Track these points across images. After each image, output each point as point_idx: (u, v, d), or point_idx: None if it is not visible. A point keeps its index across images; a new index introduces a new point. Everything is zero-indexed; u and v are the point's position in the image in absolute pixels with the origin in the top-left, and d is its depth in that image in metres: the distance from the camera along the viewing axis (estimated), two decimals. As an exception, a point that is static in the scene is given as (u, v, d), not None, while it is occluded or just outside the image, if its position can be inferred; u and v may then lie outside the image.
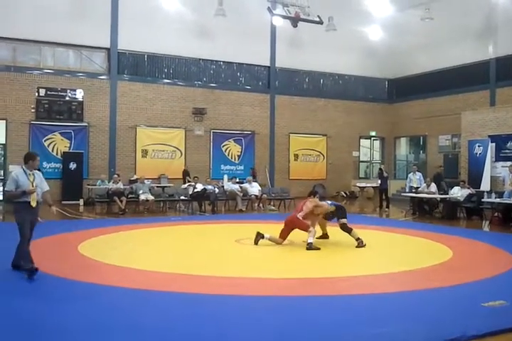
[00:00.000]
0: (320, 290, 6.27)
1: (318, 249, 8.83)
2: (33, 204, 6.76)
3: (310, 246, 8.80)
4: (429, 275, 7.14)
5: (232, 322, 4.89)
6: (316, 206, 9.40)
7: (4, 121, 19.17)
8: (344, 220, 9.39)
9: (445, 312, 5.25)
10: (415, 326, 4.81)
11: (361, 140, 26.96)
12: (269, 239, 9.40)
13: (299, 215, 9.31)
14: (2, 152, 19.39)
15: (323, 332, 4.63)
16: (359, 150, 26.90)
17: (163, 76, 22.27)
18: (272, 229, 10.13)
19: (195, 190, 16.75)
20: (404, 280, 6.93)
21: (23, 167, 6.90)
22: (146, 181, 17.23)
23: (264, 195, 17.92)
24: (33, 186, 6.75)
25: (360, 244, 9.11)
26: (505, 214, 13.50)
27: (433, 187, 15.92)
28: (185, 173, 20.32)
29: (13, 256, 6.89)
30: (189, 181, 18.53)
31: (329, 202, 9.87)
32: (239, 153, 23.49)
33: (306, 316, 5.10)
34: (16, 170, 6.97)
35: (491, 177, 18.17)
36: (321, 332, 4.61)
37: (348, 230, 9.29)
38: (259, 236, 9.37)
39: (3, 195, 7.06)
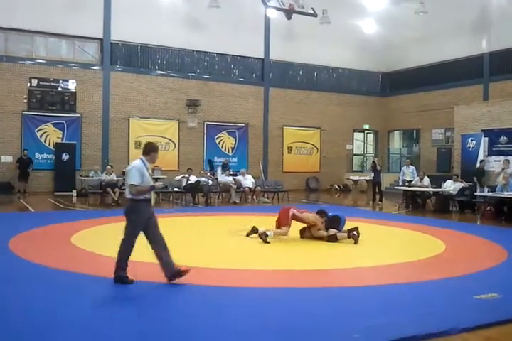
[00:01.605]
0: (313, 282, 6.28)
1: (268, 242, 8.76)
2: (153, 202, 6.07)
3: (262, 236, 8.82)
4: (421, 268, 7.17)
5: (226, 313, 4.90)
6: (314, 224, 9.30)
7: (-4, 111, 19.07)
8: (333, 231, 9.22)
9: (437, 305, 5.28)
10: (408, 318, 4.83)
11: (355, 133, 26.99)
12: (274, 235, 9.09)
13: (293, 211, 9.23)
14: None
15: (317, 323, 4.65)
16: (353, 144, 26.94)
17: (157, 67, 22.17)
18: (265, 221, 10.13)
19: (189, 182, 16.72)
20: (396, 272, 6.95)
21: (143, 159, 6.02)
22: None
23: (258, 188, 17.92)
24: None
25: (354, 236, 9.07)
26: (497, 208, 13.56)
27: (426, 180, 15.96)
28: (225, 165, 20.20)
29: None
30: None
31: (329, 213, 9.61)
32: (232, 146, 23.47)
33: (299, 308, 5.12)
34: (137, 162, 5.98)
35: (484, 171, 18.23)
36: (314, 324, 4.62)
37: (333, 240, 9.10)
38: (253, 231, 9.31)
39: (130, 189, 5.83)
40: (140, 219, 5.89)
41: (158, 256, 5.98)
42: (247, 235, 9.36)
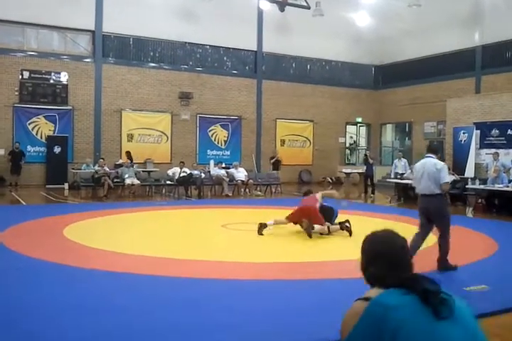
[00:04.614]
0: (303, 274, 6.31)
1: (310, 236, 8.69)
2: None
3: (310, 231, 8.70)
4: (412, 260, 7.20)
5: (217, 306, 4.92)
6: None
7: (-13, 103, 18.94)
8: (326, 223, 9.11)
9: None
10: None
11: (347, 126, 27.02)
12: (275, 223, 9.13)
13: (316, 206, 9.08)
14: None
15: (306, 315, 4.68)
16: (345, 137, 26.98)
17: (149, 59, 22.07)
18: (259, 214, 10.16)
19: (181, 175, 16.71)
20: (388, 264, 6.97)
21: (435, 157, 6.67)
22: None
23: (251, 181, 17.94)
24: None
25: (347, 228, 9.05)
26: (488, 201, 13.66)
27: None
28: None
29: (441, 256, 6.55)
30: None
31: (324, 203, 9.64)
32: (225, 138, 23.44)
33: (288, 300, 5.15)
34: (440, 162, 6.65)
35: (475, 164, 18.35)
36: (302, 315, 4.65)
37: (327, 232, 9.09)
38: (262, 226, 8.98)
39: (445, 186, 6.53)
40: (449, 211, 6.79)
41: (420, 244, 6.57)
42: (259, 233, 8.89)
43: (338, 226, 9.16)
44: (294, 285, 5.80)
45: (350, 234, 8.91)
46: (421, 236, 6.60)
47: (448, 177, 6.57)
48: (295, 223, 9.17)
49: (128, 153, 19.87)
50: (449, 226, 6.58)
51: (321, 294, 5.39)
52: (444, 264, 6.53)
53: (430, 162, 6.59)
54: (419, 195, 6.66)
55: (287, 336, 4.19)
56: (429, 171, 6.46)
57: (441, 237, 6.58)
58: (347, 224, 9.13)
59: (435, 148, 7.00)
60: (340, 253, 7.86)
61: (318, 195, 9.42)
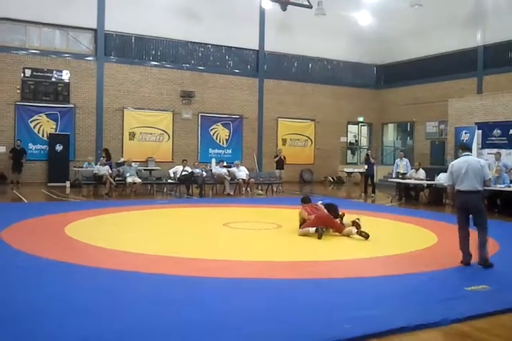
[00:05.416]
0: (304, 273, 6.30)
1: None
2: None
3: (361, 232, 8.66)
4: (413, 259, 7.21)
5: (220, 305, 4.91)
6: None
7: (-11, 101, 18.96)
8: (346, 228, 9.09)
9: (429, 296, 5.32)
10: (399, 309, 4.87)
11: (349, 125, 27.01)
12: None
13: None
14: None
15: (308, 313, 4.67)
16: (347, 136, 26.96)
17: (151, 58, 22.07)
18: (260, 213, 10.12)
19: (183, 173, 16.71)
20: (388, 264, 6.99)
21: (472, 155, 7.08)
22: (133, 164, 17.15)
23: (252, 179, 17.93)
24: None
25: (362, 233, 8.91)
26: (490, 201, 13.63)
27: (421, 173, 15.98)
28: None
29: (480, 252, 6.68)
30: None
31: (320, 201, 9.68)
32: (227, 137, 23.45)
33: (290, 298, 5.13)
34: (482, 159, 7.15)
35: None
36: (305, 314, 4.64)
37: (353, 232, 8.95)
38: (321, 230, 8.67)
39: (489, 182, 7.06)
40: None
41: (468, 238, 6.90)
42: (319, 237, 8.56)
43: (352, 228, 8.95)
44: (297, 284, 5.79)
45: (364, 235, 8.76)
46: (465, 236, 6.86)
47: (490, 174, 6.89)
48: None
49: (105, 151, 19.56)
50: (487, 222, 6.80)
51: (326, 293, 5.38)
52: (485, 260, 6.63)
53: (473, 160, 6.86)
54: (460, 192, 6.76)
55: (291, 335, 4.18)
56: (475, 168, 6.68)
57: (481, 231, 6.73)
58: (360, 229, 8.93)
59: (469, 147, 7.33)
60: (344, 252, 7.85)
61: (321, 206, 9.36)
